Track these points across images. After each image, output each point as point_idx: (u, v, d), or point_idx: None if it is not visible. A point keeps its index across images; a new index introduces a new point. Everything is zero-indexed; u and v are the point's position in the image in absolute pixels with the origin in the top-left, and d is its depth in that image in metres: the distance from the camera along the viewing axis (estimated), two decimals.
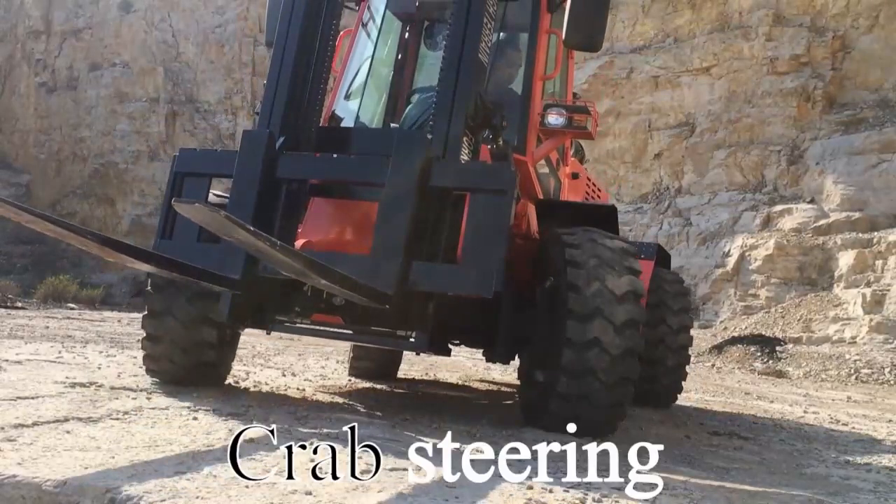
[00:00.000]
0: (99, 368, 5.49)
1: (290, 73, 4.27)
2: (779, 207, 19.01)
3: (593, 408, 4.04)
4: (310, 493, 2.65)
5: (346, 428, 3.90)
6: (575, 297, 4.01)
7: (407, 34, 5.54)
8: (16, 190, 33.49)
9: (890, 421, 7.19)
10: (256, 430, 3.66)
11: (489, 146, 4.37)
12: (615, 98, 22.53)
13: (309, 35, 4.33)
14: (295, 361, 7.84)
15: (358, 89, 5.38)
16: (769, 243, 18.20)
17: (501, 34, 4.96)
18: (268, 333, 4.72)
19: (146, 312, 4.59)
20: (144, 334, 4.62)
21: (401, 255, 3.79)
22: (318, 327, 4.47)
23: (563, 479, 3.18)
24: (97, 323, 12.75)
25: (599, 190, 7.21)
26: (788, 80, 19.78)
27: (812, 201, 18.51)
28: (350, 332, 4.49)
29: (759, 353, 14.45)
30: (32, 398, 4.00)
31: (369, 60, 5.42)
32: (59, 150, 33.34)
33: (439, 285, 3.89)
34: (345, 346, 9.68)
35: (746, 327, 16.69)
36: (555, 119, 4.84)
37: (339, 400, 5.00)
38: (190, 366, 4.64)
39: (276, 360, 7.76)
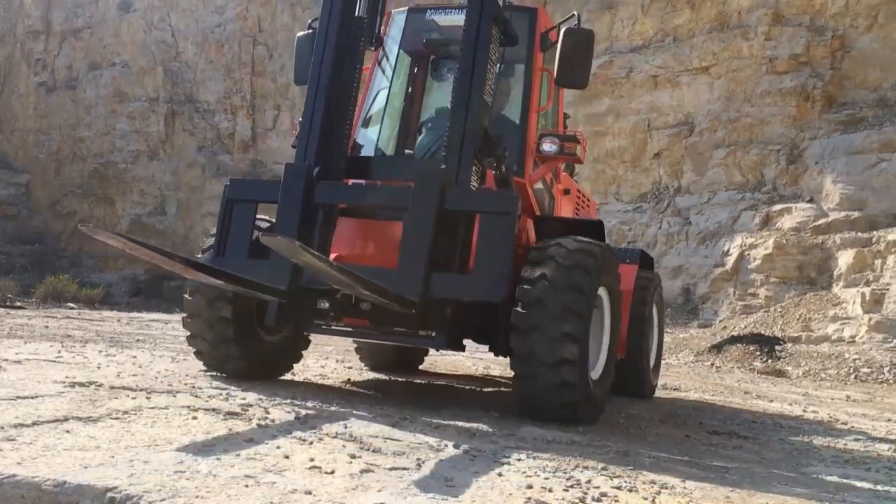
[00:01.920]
0: (98, 368, 5.49)
1: (323, 111, 4.95)
2: (778, 207, 19.00)
3: (541, 389, 4.59)
4: (309, 493, 2.65)
5: (346, 427, 3.91)
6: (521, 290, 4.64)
7: (416, 69, 6.18)
8: (15, 189, 33.46)
9: (889, 420, 7.20)
10: (255, 429, 3.67)
11: (494, 172, 5.01)
12: (614, 97, 22.52)
13: (337, 76, 5.02)
14: None
15: (374, 119, 6.03)
16: (768, 242, 18.21)
17: (502, 72, 5.54)
18: (307, 335, 5.40)
19: (185, 314, 5.35)
20: (188, 332, 5.40)
21: (424, 268, 4.47)
22: (350, 329, 5.15)
23: (563, 478, 3.19)
24: (96, 322, 12.75)
25: (588, 200, 7.89)
26: (788, 79, 19.78)
27: (811, 200, 18.51)
28: (379, 332, 5.12)
29: (758, 353, 14.43)
30: (32, 398, 4.00)
31: (384, 94, 6.08)
32: (59, 149, 33.28)
33: (456, 292, 4.60)
34: (344, 346, 9.67)
35: (746, 326, 16.68)
36: (549, 146, 5.57)
37: (339, 399, 5.00)
38: (220, 357, 5.33)
39: None
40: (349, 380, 6.45)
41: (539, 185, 5.96)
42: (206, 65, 30.92)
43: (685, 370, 12.47)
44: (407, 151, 5.84)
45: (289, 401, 4.68)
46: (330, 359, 8.33)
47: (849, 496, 3.47)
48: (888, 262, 15.87)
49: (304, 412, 4.29)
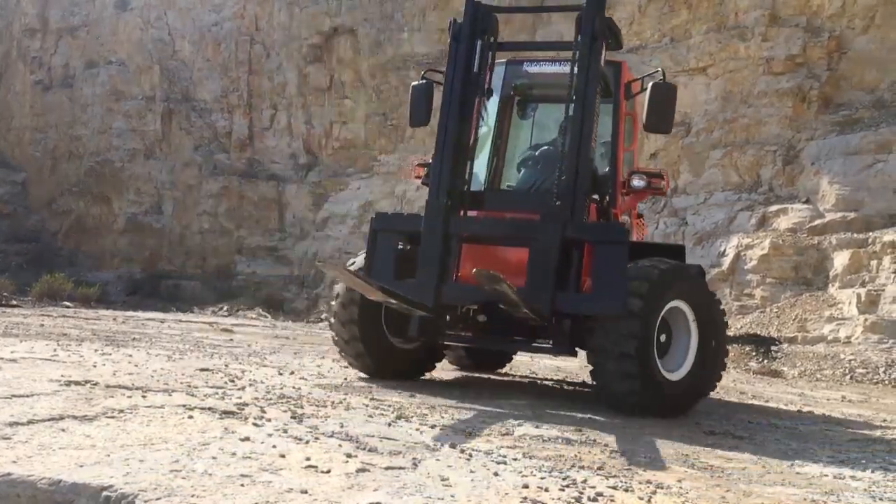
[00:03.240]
0: (94, 367, 5.49)
1: (451, 153, 5.85)
2: (774, 207, 19.01)
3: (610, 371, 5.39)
4: (305, 492, 2.65)
5: (342, 426, 3.91)
6: None
7: (510, 112, 7.14)
8: (11, 188, 33.39)
9: (884, 420, 7.21)
10: (251, 428, 3.67)
11: (596, 205, 6.14)
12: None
13: (460, 123, 5.91)
14: (291, 360, 7.84)
15: (479, 156, 6.75)
16: (765, 243, 18.21)
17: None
18: (441, 344, 6.40)
19: (333, 320, 6.33)
20: (332, 333, 6.45)
21: (551, 287, 5.32)
22: (476, 338, 6.20)
23: (559, 478, 3.19)
24: (92, 321, 12.73)
25: (644, 223, 8.53)
26: (784, 80, 19.78)
27: (807, 201, 18.51)
28: (502, 341, 6.26)
29: (754, 353, 14.45)
30: (28, 396, 4.00)
31: (486, 134, 6.89)
32: (55, 147, 33.19)
33: (580, 308, 5.50)
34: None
35: (742, 327, 16.70)
36: (638, 182, 6.51)
37: (336, 398, 4.99)
38: (353, 353, 6.30)
39: (271, 358, 7.75)
40: (346, 379, 6.45)
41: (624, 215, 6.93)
42: (202, 63, 30.86)
43: None
44: (508, 185, 6.96)
45: (285, 400, 4.67)
46: (326, 358, 8.33)
47: (844, 496, 3.48)
48: (884, 263, 15.89)
49: (300, 411, 4.28)
